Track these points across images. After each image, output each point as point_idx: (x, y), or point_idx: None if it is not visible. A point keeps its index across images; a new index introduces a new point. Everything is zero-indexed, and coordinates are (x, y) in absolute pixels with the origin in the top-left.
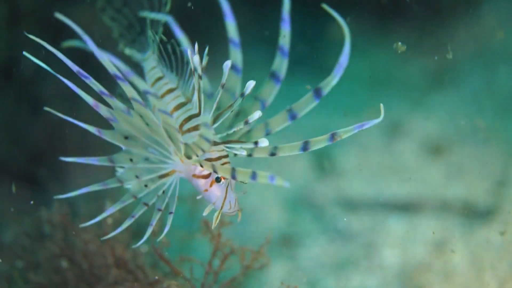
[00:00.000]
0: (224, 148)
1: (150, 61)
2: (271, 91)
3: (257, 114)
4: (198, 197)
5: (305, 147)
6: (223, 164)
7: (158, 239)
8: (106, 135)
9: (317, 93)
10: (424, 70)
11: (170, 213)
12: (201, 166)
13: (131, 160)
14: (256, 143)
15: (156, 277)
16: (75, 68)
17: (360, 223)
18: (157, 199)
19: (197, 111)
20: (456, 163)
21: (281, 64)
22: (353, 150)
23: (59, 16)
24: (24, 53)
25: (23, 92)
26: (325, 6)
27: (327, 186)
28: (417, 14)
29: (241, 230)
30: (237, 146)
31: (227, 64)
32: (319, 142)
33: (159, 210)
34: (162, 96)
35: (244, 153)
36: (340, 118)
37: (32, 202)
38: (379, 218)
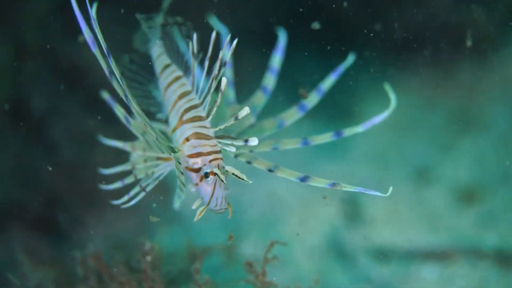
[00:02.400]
0: (217, 143)
1: (157, 48)
2: (292, 116)
3: (245, 111)
4: (192, 189)
5: (303, 179)
6: (213, 159)
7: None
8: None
9: (338, 134)
10: (449, 113)
11: (144, 190)
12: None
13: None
14: (246, 141)
15: None
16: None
17: (392, 273)
18: (145, 177)
19: (199, 101)
20: (489, 210)
21: (312, 98)
22: (381, 197)
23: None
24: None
25: (33, 133)
26: (386, 86)
27: (356, 234)
28: (440, 55)
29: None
30: (228, 142)
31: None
32: (319, 182)
33: (140, 186)
34: (170, 83)
35: (233, 149)
36: (365, 166)
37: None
38: (412, 268)
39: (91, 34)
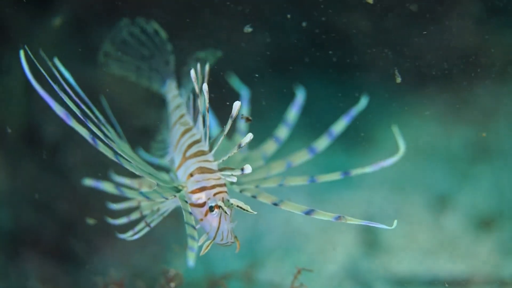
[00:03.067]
0: (221, 176)
1: (174, 89)
2: (300, 158)
3: (248, 137)
4: (197, 226)
5: (308, 212)
6: (217, 193)
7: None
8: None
9: (345, 173)
10: (467, 140)
11: (148, 226)
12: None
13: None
14: (242, 169)
15: None
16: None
17: None
18: (150, 213)
19: (199, 137)
20: (508, 236)
21: (322, 142)
22: (399, 225)
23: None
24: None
25: (47, 159)
26: (394, 128)
27: (374, 263)
28: (458, 81)
29: None
30: (228, 173)
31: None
32: (323, 216)
33: (145, 222)
34: (175, 122)
35: (235, 179)
36: (383, 193)
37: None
38: None
39: (63, 110)
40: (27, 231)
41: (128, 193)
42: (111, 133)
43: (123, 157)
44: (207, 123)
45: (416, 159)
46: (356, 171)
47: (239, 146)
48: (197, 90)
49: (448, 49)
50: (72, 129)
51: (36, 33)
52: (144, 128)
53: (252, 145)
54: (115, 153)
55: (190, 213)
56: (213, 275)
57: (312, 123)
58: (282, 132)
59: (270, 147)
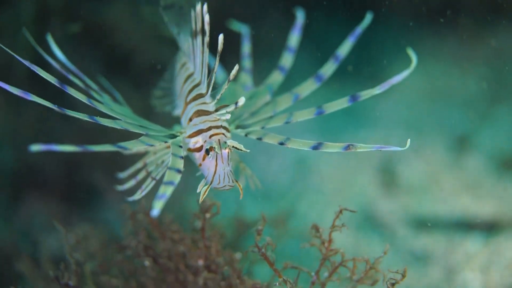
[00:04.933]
0: (217, 117)
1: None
2: (307, 88)
3: (235, 69)
4: (197, 174)
5: (316, 147)
6: (213, 134)
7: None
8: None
9: (354, 98)
10: (483, 80)
11: (154, 179)
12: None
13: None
14: (236, 103)
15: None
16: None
17: (435, 245)
18: (155, 168)
19: (199, 79)
20: None
21: (328, 67)
22: (419, 166)
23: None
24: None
25: (53, 97)
26: (410, 53)
27: (394, 204)
28: (475, 20)
29: (303, 252)
30: (223, 111)
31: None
32: (332, 147)
33: (151, 177)
34: (179, 70)
35: (229, 116)
36: (399, 132)
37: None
38: (456, 239)
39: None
40: (31, 170)
41: (126, 144)
42: (104, 97)
43: (97, 101)
44: (205, 62)
45: (433, 99)
46: (365, 94)
47: (229, 81)
48: (198, 28)
49: None
50: (81, 63)
51: None
52: (153, 65)
53: (258, 81)
54: (89, 97)
55: (181, 157)
56: (241, 217)
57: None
58: (286, 60)
59: (275, 78)
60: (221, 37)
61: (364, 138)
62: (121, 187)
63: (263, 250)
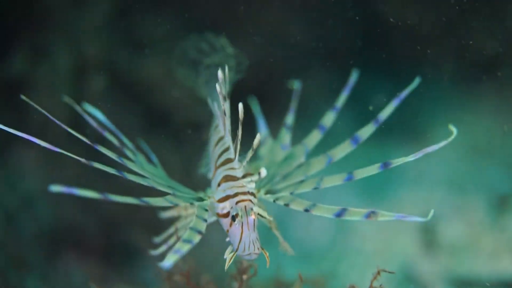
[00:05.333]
0: (244, 184)
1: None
2: (342, 151)
3: (257, 139)
4: (227, 239)
5: (339, 214)
6: (239, 201)
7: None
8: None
9: (385, 165)
10: None
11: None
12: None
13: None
14: (259, 173)
15: None
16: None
17: None
18: (185, 231)
19: (228, 144)
20: None
21: (367, 129)
22: (460, 226)
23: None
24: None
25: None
26: (451, 127)
27: (435, 264)
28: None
29: None
30: (248, 179)
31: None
32: (355, 215)
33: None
34: (212, 133)
35: (254, 185)
36: (440, 193)
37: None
38: None
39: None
40: (70, 229)
41: (150, 200)
42: (137, 156)
43: (129, 159)
44: (228, 127)
45: (474, 158)
46: (397, 161)
47: (253, 150)
48: (223, 93)
49: (503, 42)
50: (118, 119)
51: (80, 20)
52: (191, 123)
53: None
54: (122, 155)
55: (204, 220)
56: (280, 277)
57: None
58: (328, 119)
59: (313, 138)
60: (240, 106)
61: (405, 199)
62: (154, 252)
63: None
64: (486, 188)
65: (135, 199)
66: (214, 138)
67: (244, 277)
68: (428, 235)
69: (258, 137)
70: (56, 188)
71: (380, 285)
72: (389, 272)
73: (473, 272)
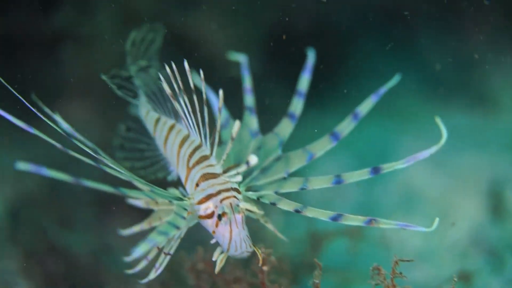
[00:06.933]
0: (227, 179)
1: (142, 107)
2: (323, 147)
3: (237, 126)
4: (212, 241)
5: (335, 218)
6: (223, 198)
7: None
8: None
9: (375, 170)
10: None
11: (169, 254)
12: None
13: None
14: (247, 162)
15: None
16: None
17: None
18: (166, 243)
19: (198, 142)
20: None
21: (346, 125)
22: None
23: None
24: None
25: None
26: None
27: (505, 230)
28: None
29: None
30: (233, 172)
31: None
32: (352, 220)
33: (164, 253)
34: (167, 136)
35: (240, 178)
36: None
37: None
38: None
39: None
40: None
41: (128, 191)
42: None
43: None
44: (194, 125)
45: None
46: (387, 166)
47: (232, 139)
48: (176, 89)
49: None
50: None
51: None
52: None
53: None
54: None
55: (183, 218)
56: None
57: None
58: (296, 105)
59: (285, 127)
60: (221, 93)
61: (472, 163)
62: (133, 271)
63: None
64: None
65: (112, 188)
66: (174, 138)
67: (265, 268)
68: (496, 201)
69: (238, 124)
70: (23, 165)
71: (400, 272)
72: (408, 261)
73: None
